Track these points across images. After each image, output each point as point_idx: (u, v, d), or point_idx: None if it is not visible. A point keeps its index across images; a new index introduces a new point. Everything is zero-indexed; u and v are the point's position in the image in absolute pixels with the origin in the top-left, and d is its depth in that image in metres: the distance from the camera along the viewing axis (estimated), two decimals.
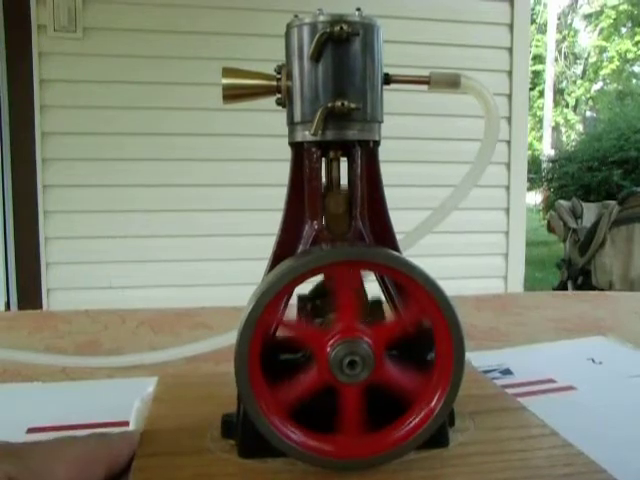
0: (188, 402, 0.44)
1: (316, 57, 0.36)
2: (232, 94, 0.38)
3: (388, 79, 0.39)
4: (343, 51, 0.36)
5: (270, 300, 0.33)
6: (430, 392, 0.35)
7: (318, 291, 0.41)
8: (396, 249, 0.40)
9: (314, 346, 0.34)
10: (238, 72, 0.38)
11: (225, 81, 0.38)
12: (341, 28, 0.35)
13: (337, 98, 0.36)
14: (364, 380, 0.34)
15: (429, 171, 2.54)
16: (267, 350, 0.35)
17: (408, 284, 0.35)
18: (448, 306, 0.34)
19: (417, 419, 0.35)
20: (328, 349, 0.34)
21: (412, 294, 0.35)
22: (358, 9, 0.37)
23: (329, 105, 0.36)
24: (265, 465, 0.36)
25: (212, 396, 0.34)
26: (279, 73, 0.38)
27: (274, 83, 0.38)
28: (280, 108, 0.39)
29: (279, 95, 0.38)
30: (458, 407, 0.40)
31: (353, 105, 0.36)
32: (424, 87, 0.41)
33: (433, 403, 0.35)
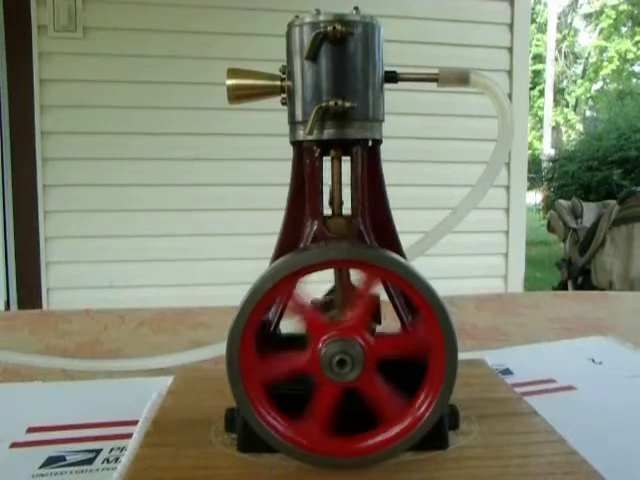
0: (201, 395, 0.45)
1: (312, 57, 0.36)
2: (237, 95, 0.38)
3: (396, 77, 0.39)
4: (339, 51, 0.36)
5: (262, 297, 0.34)
6: (420, 398, 0.35)
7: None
8: (398, 248, 0.40)
9: (313, 332, 0.34)
10: (243, 73, 0.38)
11: (230, 82, 0.38)
12: (334, 28, 0.35)
13: (333, 97, 0.36)
14: (348, 382, 0.34)
15: (435, 171, 2.53)
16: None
17: (399, 284, 0.35)
18: (443, 314, 0.34)
19: (404, 425, 0.35)
20: (322, 342, 0.34)
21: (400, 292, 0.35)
22: (355, 8, 0.37)
23: (323, 105, 0.36)
24: (261, 460, 0.36)
25: (225, 390, 0.35)
26: (284, 73, 0.38)
27: (278, 83, 0.38)
28: (284, 107, 0.39)
29: (284, 95, 0.38)
30: (467, 410, 0.40)
31: (348, 104, 0.36)
32: (432, 85, 0.41)
33: (421, 410, 0.35)
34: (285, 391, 0.35)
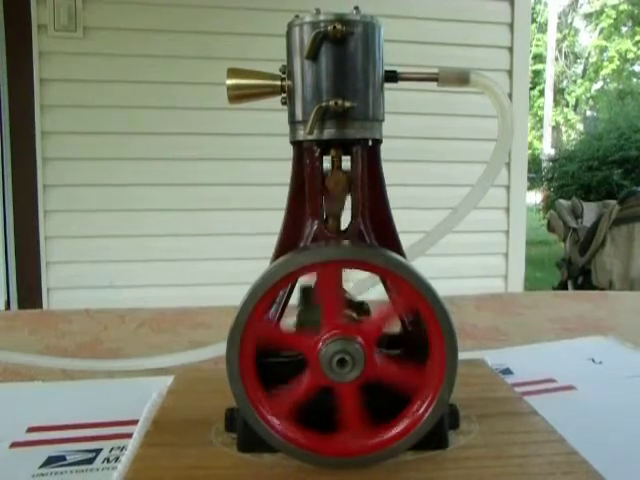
0: (201, 395, 0.46)
1: (312, 56, 0.36)
2: (237, 94, 0.38)
3: (396, 77, 0.39)
4: (339, 50, 0.36)
5: (262, 297, 0.34)
6: (419, 398, 0.35)
7: None
8: (398, 248, 0.40)
9: (306, 351, 0.35)
10: (243, 72, 0.38)
11: (230, 81, 0.38)
12: (334, 27, 0.35)
13: (333, 97, 0.36)
14: (339, 381, 0.34)
15: (436, 170, 2.53)
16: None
17: (399, 284, 0.35)
18: (443, 314, 0.34)
19: (404, 425, 0.35)
20: (330, 335, 0.34)
21: (402, 293, 0.35)
22: (356, 7, 0.37)
23: (323, 104, 0.36)
24: (261, 460, 0.36)
25: (225, 390, 0.35)
26: (284, 73, 0.38)
27: (278, 83, 0.38)
28: (286, 107, 0.39)
29: (284, 95, 0.38)
30: (467, 409, 0.40)
31: (348, 104, 0.36)
32: (433, 84, 0.41)
33: (421, 410, 0.35)
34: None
